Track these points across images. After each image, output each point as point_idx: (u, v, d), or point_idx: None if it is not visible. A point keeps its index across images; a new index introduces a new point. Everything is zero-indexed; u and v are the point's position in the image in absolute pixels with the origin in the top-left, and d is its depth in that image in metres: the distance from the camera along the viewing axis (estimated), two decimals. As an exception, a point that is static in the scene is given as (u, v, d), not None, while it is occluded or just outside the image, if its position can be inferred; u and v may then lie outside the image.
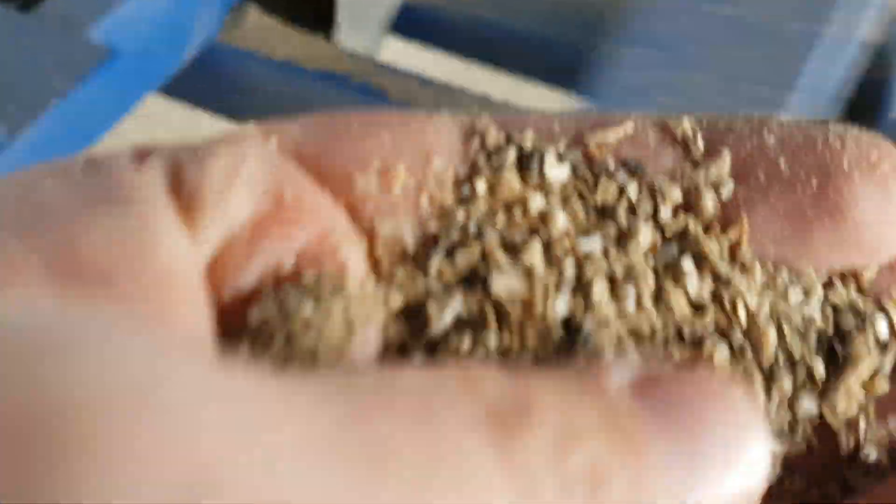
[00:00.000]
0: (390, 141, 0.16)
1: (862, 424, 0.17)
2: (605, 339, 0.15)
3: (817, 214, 0.16)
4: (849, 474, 0.16)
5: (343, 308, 0.14)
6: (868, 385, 0.17)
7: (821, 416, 0.17)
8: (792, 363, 0.17)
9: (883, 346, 0.17)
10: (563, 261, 0.16)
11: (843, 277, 0.17)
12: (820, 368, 0.17)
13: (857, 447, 0.16)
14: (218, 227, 0.13)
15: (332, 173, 0.15)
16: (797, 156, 0.16)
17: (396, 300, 0.15)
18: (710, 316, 0.17)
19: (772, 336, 0.17)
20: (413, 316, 0.16)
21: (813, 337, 0.17)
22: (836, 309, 0.18)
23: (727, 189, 0.17)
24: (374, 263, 0.15)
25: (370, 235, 0.15)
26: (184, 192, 0.13)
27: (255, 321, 0.14)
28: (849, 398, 0.17)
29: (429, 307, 0.15)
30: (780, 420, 0.17)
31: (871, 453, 0.16)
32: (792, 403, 0.17)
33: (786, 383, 0.17)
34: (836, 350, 0.17)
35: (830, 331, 0.18)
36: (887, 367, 0.17)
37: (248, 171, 0.14)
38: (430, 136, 0.16)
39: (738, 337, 0.16)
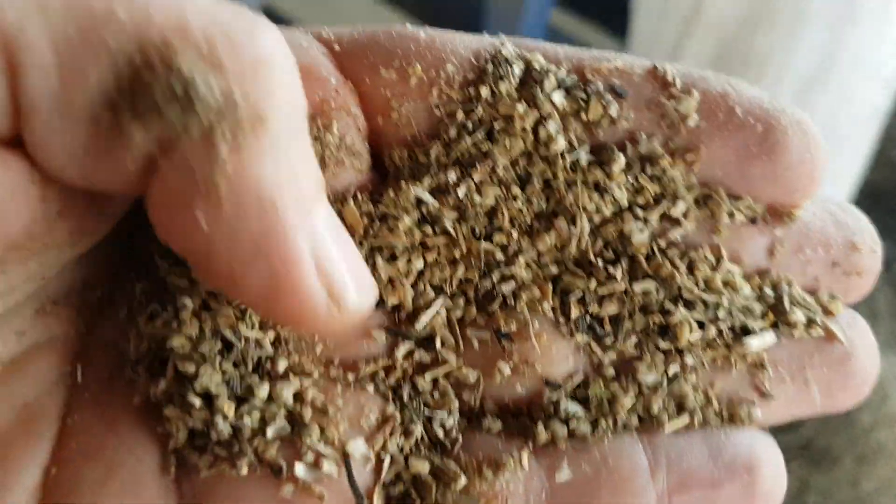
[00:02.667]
0: (415, 48, 0.20)
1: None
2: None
3: (759, 151, 0.20)
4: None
5: (316, 148, 0.19)
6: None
7: None
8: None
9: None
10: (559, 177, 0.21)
11: (777, 212, 0.21)
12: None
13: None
14: None
15: (362, 65, 0.20)
16: (750, 108, 0.20)
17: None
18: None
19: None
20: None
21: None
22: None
23: (693, 120, 0.20)
24: (373, 132, 0.21)
25: (384, 113, 0.20)
26: None
27: None
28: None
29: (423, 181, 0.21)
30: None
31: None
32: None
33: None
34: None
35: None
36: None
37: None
38: (448, 47, 0.20)
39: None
